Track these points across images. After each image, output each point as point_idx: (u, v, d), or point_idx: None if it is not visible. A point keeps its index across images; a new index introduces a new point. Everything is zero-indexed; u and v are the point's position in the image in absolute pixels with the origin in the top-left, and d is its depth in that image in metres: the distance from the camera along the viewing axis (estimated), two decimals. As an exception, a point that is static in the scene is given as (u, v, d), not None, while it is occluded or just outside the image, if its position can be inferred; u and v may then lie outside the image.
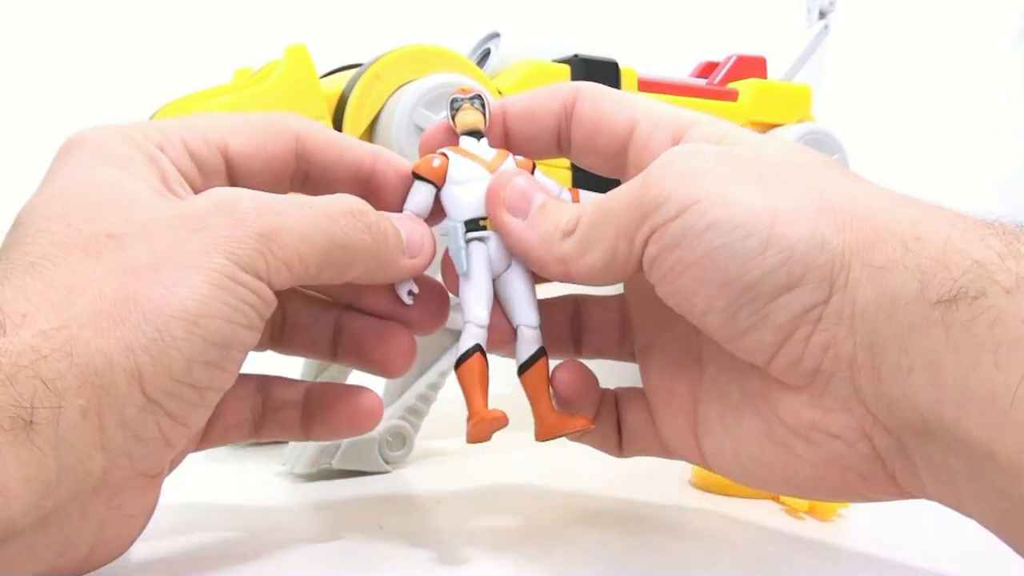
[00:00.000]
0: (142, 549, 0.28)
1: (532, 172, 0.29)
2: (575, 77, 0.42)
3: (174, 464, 0.28)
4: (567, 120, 0.29)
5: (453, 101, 0.30)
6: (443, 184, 0.29)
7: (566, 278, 0.27)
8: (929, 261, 0.21)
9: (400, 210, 0.29)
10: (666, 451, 0.29)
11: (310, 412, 0.31)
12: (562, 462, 0.31)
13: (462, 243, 0.29)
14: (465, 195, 0.29)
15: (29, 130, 0.56)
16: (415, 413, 0.42)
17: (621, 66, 0.43)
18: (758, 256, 0.22)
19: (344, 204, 0.26)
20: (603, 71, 0.42)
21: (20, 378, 0.21)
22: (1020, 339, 0.19)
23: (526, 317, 0.29)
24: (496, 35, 0.43)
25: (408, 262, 0.28)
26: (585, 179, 0.40)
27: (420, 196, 0.29)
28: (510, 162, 0.29)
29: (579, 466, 0.32)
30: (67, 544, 0.23)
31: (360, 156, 0.29)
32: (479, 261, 0.29)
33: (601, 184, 0.31)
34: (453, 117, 0.30)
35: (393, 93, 0.38)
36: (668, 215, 0.23)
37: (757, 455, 0.25)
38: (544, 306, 0.31)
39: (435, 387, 0.41)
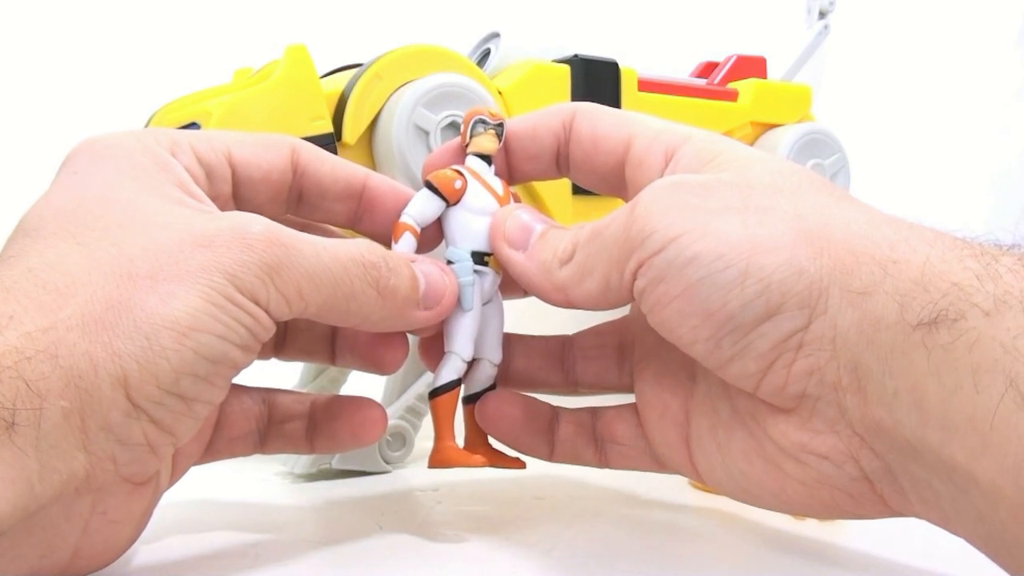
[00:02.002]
0: (141, 549, 0.28)
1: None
2: (575, 77, 0.41)
3: (175, 477, 0.28)
4: (566, 140, 0.30)
5: (480, 122, 0.30)
6: (454, 204, 0.29)
7: (567, 305, 0.28)
8: (908, 284, 0.21)
9: (391, 223, 0.30)
10: (659, 464, 0.30)
11: (315, 424, 0.31)
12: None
13: (470, 277, 0.29)
14: (476, 225, 0.29)
15: (29, 130, 0.56)
16: (415, 413, 0.42)
17: (621, 66, 0.43)
18: (737, 287, 0.23)
19: (357, 253, 0.26)
20: (603, 71, 0.42)
21: (3, 379, 0.21)
22: (999, 362, 0.20)
23: (493, 354, 0.30)
24: (496, 35, 0.43)
25: (422, 315, 0.28)
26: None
27: (428, 207, 0.29)
28: (512, 197, 0.30)
29: (579, 466, 0.32)
30: (50, 546, 0.23)
31: (352, 171, 0.30)
32: (476, 296, 0.29)
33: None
34: (471, 135, 0.30)
35: (393, 93, 0.38)
36: (653, 249, 0.24)
37: (747, 471, 0.26)
38: (532, 346, 0.32)
39: (435, 387, 0.41)
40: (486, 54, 0.43)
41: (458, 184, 0.29)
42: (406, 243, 0.29)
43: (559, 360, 0.32)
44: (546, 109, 0.30)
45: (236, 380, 0.29)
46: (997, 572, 0.21)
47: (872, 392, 0.22)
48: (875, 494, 0.24)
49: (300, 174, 0.29)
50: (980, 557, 0.22)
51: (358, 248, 0.26)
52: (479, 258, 0.29)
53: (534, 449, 0.31)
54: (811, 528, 0.33)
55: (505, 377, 0.32)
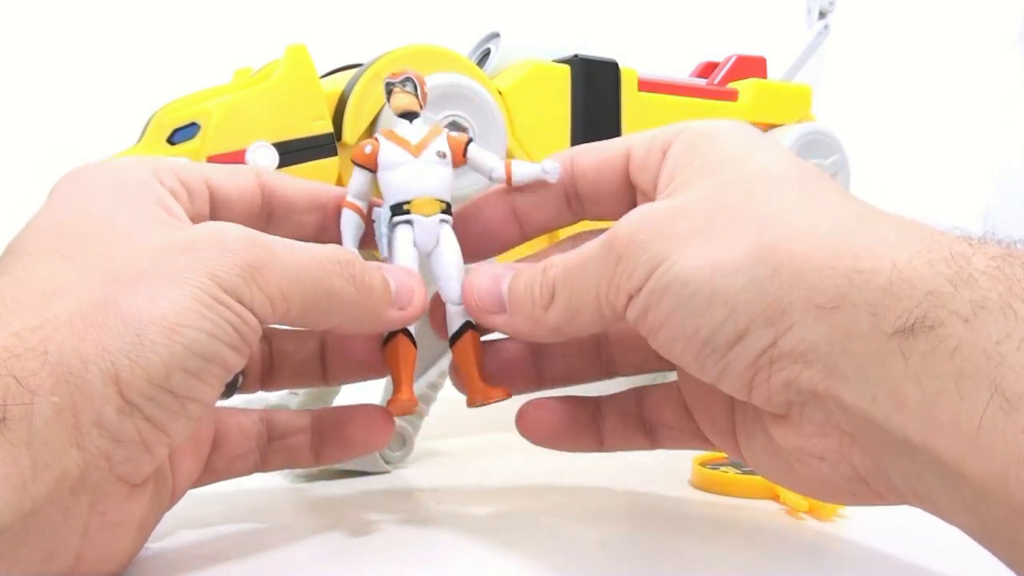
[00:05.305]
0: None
1: (465, 149, 0.31)
2: (575, 77, 0.41)
3: (175, 497, 0.28)
4: (572, 180, 0.30)
5: (386, 86, 0.31)
6: (376, 170, 0.30)
7: (565, 339, 0.28)
8: (877, 293, 0.21)
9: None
10: (711, 445, 0.30)
11: (321, 435, 0.31)
12: (562, 462, 0.31)
13: (384, 230, 0.30)
14: (392, 180, 0.30)
15: (29, 131, 0.56)
16: (415, 413, 0.41)
17: (621, 66, 0.43)
18: (706, 312, 0.23)
19: (332, 252, 0.27)
20: (603, 71, 0.42)
21: None
22: (981, 367, 0.20)
23: (450, 294, 0.31)
24: (496, 35, 0.43)
25: (397, 314, 0.28)
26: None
27: (357, 181, 0.31)
28: (441, 140, 0.30)
29: (579, 466, 0.32)
30: (51, 549, 0.23)
31: (315, 186, 0.31)
32: (404, 245, 0.30)
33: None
34: (388, 101, 0.31)
35: (393, 93, 0.38)
36: (638, 284, 0.25)
37: (770, 466, 0.27)
38: (567, 344, 0.32)
39: (435, 387, 0.41)
40: (486, 54, 0.43)
41: (368, 149, 0.30)
42: (347, 218, 0.31)
43: (595, 354, 0.32)
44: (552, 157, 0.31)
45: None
46: (997, 574, 0.21)
47: (848, 398, 0.22)
48: (872, 491, 0.24)
49: (268, 194, 0.30)
50: (982, 557, 0.22)
51: (331, 248, 0.27)
52: (399, 208, 0.30)
53: (581, 446, 0.31)
54: (811, 528, 0.33)
55: (544, 379, 0.32)
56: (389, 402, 0.30)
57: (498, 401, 0.30)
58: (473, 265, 0.30)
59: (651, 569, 0.28)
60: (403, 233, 0.30)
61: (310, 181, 0.31)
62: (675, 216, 0.25)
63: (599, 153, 0.30)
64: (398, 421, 0.41)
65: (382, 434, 0.31)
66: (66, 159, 0.27)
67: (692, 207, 0.25)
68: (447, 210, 0.30)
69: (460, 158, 0.31)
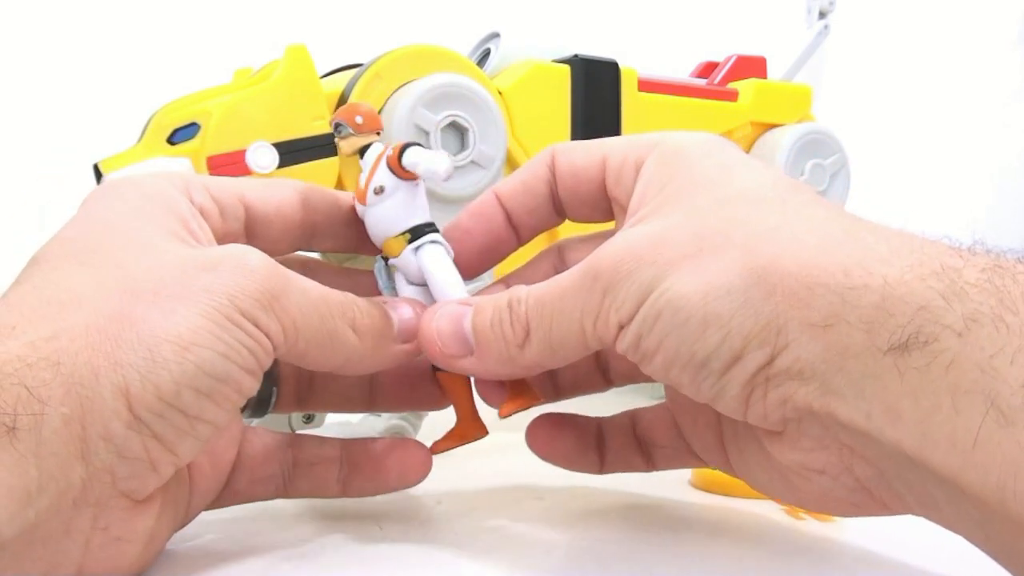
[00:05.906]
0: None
1: (400, 155, 0.29)
2: (575, 77, 0.41)
3: (190, 516, 0.28)
4: (555, 183, 0.30)
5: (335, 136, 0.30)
6: None
7: (543, 370, 0.28)
8: (870, 310, 0.21)
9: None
10: (703, 462, 0.30)
11: (352, 466, 0.31)
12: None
13: (385, 282, 0.30)
14: (368, 232, 0.30)
15: (29, 131, 0.56)
16: (415, 413, 0.41)
17: (621, 66, 0.43)
18: (700, 338, 0.23)
19: (335, 295, 0.27)
20: (603, 71, 0.42)
21: (5, 385, 0.21)
22: (977, 382, 0.20)
23: None
24: (496, 35, 0.43)
25: (401, 348, 0.28)
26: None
27: None
28: (379, 173, 0.29)
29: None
30: (52, 563, 0.23)
31: (350, 197, 0.31)
32: (401, 285, 0.30)
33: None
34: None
35: (393, 93, 0.38)
36: (629, 313, 0.24)
37: (765, 481, 0.27)
38: None
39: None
40: (486, 54, 0.43)
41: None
42: (377, 266, 0.31)
43: (596, 362, 0.33)
44: (530, 161, 0.31)
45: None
46: (998, 574, 0.21)
47: (844, 415, 0.22)
48: (875, 501, 0.24)
49: (311, 209, 0.30)
50: (982, 558, 0.22)
51: (335, 291, 0.27)
52: (384, 258, 0.30)
53: (585, 466, 0.32)
54: (811, 528, 0.33)
55: (553, 390, 0.32)
56: (447, 435, 0.30)
57: (537, 404, 0.30)
58: (430, 312, 0.29)
59: (651, 569, 0.28)
60: (398, 276, 0.30)
61: (345, 193, 0.31)
62: (658, 242, 0.25)
63: (575, 160, 0.30)
64: (398, 421, 0.41)
65: (419, 470, 0.31)
66: (66, 159, 0.27)
67: (674, 232, 0.25)
68: (417, 234, 0.29)
69: (403, 172, 0.29)
